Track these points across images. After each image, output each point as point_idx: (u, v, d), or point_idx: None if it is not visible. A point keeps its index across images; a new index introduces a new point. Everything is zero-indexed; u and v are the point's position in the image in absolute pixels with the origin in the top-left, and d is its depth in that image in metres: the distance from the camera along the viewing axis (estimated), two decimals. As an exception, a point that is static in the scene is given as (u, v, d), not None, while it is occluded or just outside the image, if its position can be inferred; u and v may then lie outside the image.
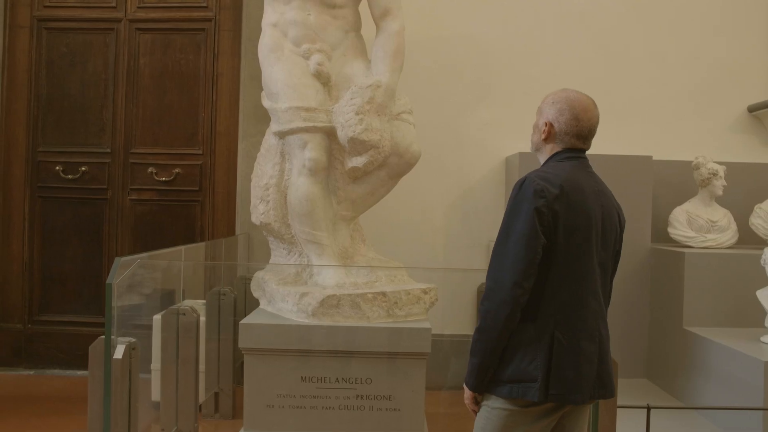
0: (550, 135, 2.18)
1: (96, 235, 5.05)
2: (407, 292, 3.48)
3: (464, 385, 2.13)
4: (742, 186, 4.70)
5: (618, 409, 2.63)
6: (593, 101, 2.21)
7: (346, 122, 3.50)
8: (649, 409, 2.63)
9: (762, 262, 3.67)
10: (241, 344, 3.31)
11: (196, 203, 5.05)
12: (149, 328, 3.74)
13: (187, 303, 3.73)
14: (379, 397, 3.33)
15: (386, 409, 3.33)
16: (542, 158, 2.24)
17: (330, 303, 3.33)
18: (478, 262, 5.08)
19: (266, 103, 3.70)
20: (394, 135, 3.60)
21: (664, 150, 4.74)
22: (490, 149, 5.04)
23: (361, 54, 3.80)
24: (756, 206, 4.49)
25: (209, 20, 5.00)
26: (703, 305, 4.09)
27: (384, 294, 3.41)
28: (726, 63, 4.98)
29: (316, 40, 3.66)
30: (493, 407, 2.06)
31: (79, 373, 4.91)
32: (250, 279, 4.73)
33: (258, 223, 3.76)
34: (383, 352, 3.31)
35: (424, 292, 3.54)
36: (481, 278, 4.96)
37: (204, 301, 4.23)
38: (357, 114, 3.48)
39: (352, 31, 3.80)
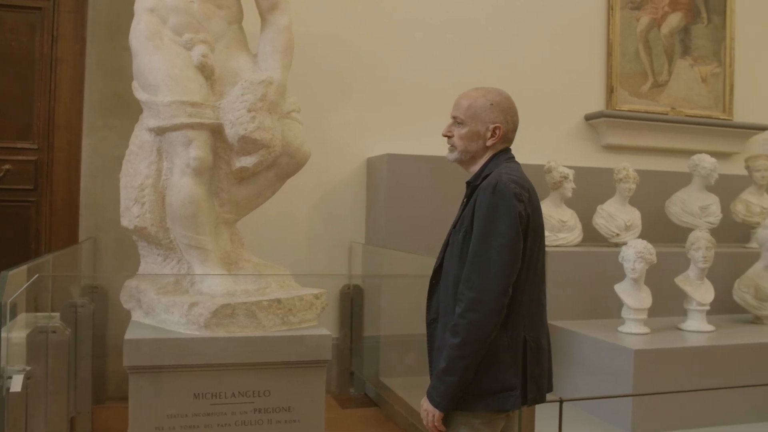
0: (499, 138, 2.14)
1: None
2: (300, 298, 3.36)
3: (429, 407, 2.02)
4: (581, 188, 5.10)
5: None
6: None
7: (237, 119, 3.30)
8: (561, 402, 2.75)
9: (620, 258, 4.01)
10: (126, 362, 2.98)
11: (30, 204, 4.46)
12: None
13: (41, 317, 3.29)
14: (278, 409, 3.18)
15: (285, 421, 3.19)
16: (475, 163, 2.17)
17: (224, 313, 3.12)
18: (340, 262, 5.05)
19: (141, 95, 3.38)
20: (286, 134, 3.46)
21: (516, 154, 5.00)
22: (352, 150, 5.02)
23: (244, 47, 3.60)
24: (599, 207, 4.91)
25: (47, -1, 4.45)
26: (562, 300, 4.38)
27: (279, 301, 3.26)
28: (567, 76, 5.39)
29: (200, 30, 3.39)
30: (465, 424, 2.01)
31: None
32: (96, 288, 4.31)
33: (131, 227, 3.40)
34: (283, 362, 3.17)
35: (316, 297, 3.43)
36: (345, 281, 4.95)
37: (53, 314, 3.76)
38: (249, 111, 3.29)
39: (236, 23, 3.59)
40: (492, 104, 2.14)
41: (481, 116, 2.14)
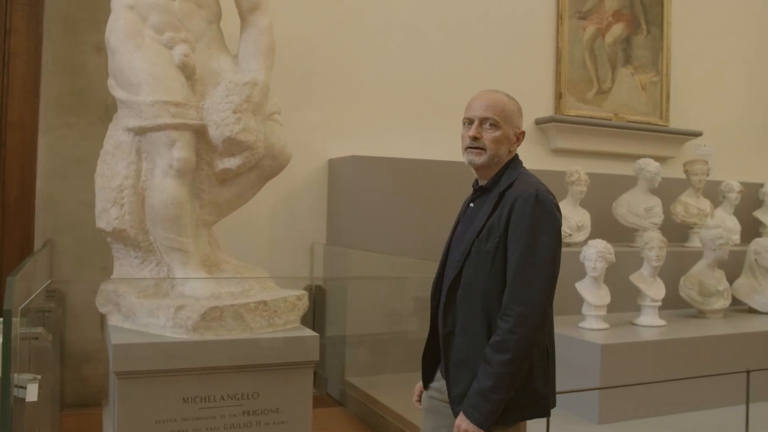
0: (519, 143, 2.14)
1: None
2: (284, 300, 3.36)
3: (471, 427, 1.94)
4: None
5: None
6: None
7: (222, 121, 3.27)
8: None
9: (581, 258, 4.20)
10: (115, 368, 2.91)
11: (-20, 205, 4.28)
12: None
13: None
14: (266, 411, 3.18)
15: (273, 423, 3.19)
16: (493, 168, 2.11)
17: (212, 315, 3.10)
18: (302, 264, 5.06)
19: (120, 93, 3.30)
20: (269, 136, 3.46)
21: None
22: (314, 151, 5.03)
23: (224, 48, 3.58)
24: (553, 209, 5.10)
25: (-1, -10, 4.26)
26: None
27: (265, 303, 3.26)
28: (518, 82, 5.52)
29: (180, 29, 3.35)
30: None
31: None
32: (53, 292, 4.15)
33: (110, 229, 3.32)
34: (271, 364, 3.17)
35: (298, 298, 3.44)
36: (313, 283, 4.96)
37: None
38: (234, 113, 3.28)
39: (215, 23, 3.57)
40: (518, 109, 2.13)
41: (512, 120, 2.10)
